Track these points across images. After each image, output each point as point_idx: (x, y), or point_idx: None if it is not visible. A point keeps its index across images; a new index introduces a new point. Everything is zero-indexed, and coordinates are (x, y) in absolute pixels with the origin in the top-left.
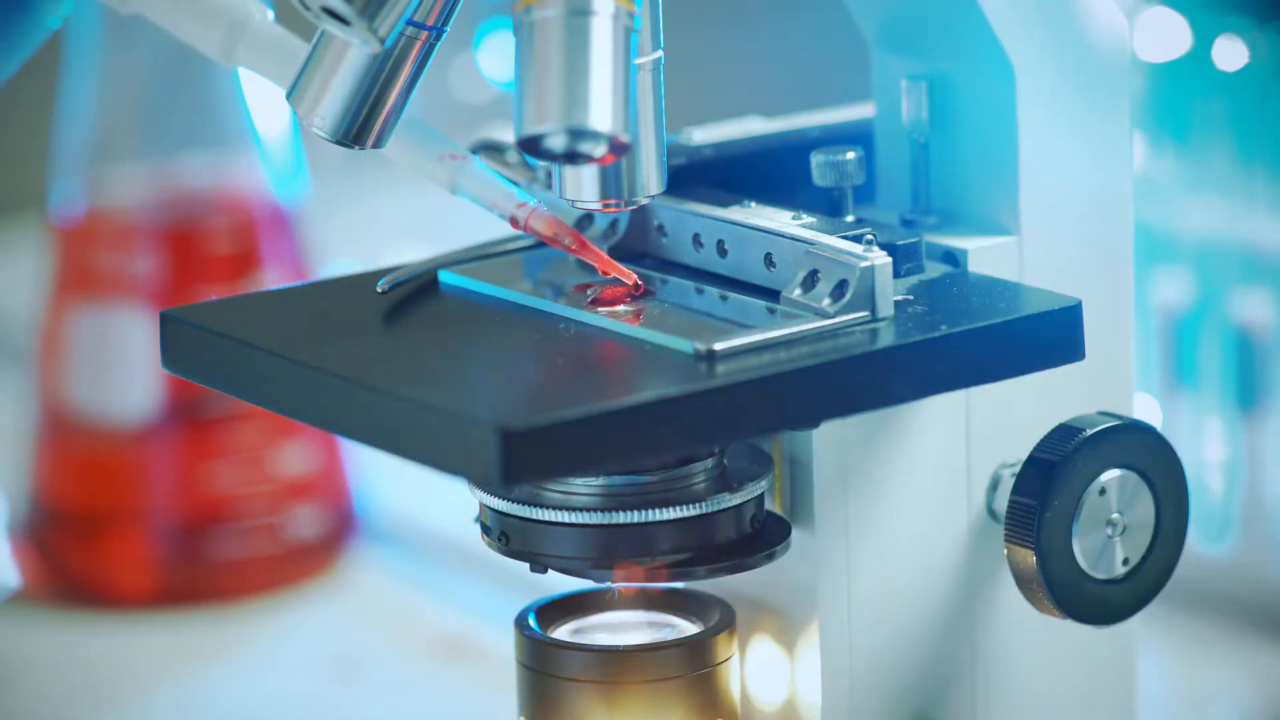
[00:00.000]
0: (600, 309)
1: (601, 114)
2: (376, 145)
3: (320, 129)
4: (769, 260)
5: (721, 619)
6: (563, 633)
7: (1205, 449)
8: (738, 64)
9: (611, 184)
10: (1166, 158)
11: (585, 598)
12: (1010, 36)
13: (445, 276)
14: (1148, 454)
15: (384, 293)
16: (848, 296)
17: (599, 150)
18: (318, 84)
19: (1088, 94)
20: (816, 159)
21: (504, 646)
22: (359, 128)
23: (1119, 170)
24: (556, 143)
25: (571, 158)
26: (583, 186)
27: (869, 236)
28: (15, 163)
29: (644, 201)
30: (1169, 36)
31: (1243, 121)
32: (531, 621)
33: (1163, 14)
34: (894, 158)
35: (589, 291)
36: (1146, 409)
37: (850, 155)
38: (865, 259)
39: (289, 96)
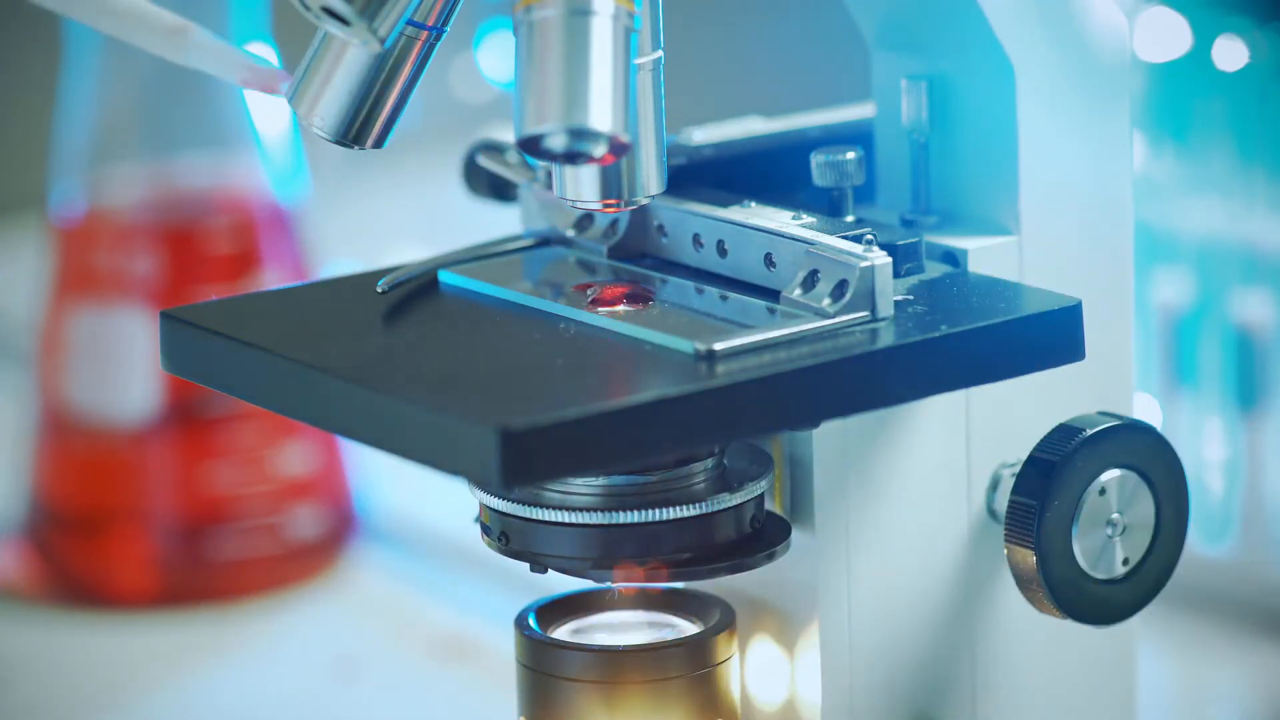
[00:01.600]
0: (600, 309)
1: (601, 114)
2: (376, 145)
3: (320, 129)
4: (769, 260)
5: (721, 619)
6: (563, 633)
7: (1205, 449)
8: (738, 64)
9: (611, 184)
10: (1166, 158)
11: (585, 598)
12: (1010, 36)
13: (445, 276)
14: (1148, 454)
15: (384, 293)
16: (848, 296)
17: (599, 150)
18: (318, 84)
19: (1088, 94)
20: (816, 159)
21: (504, 646)
22: (359, 128)
23: (1119, 170)
24: (556, 143)
25: (571, 158)
26: (582, 186)
27: (869, 236)
28: (15, 163)
29: (644, 201)
30: (1169, 36)
31: (1243, 121)
32: (531, 621)
33: (1163, 14)
34: (894, 158)
35: (589, 291)
36: (1146, 409)
37: (850, 155)
38: (865, 259)
39: (289, 97)
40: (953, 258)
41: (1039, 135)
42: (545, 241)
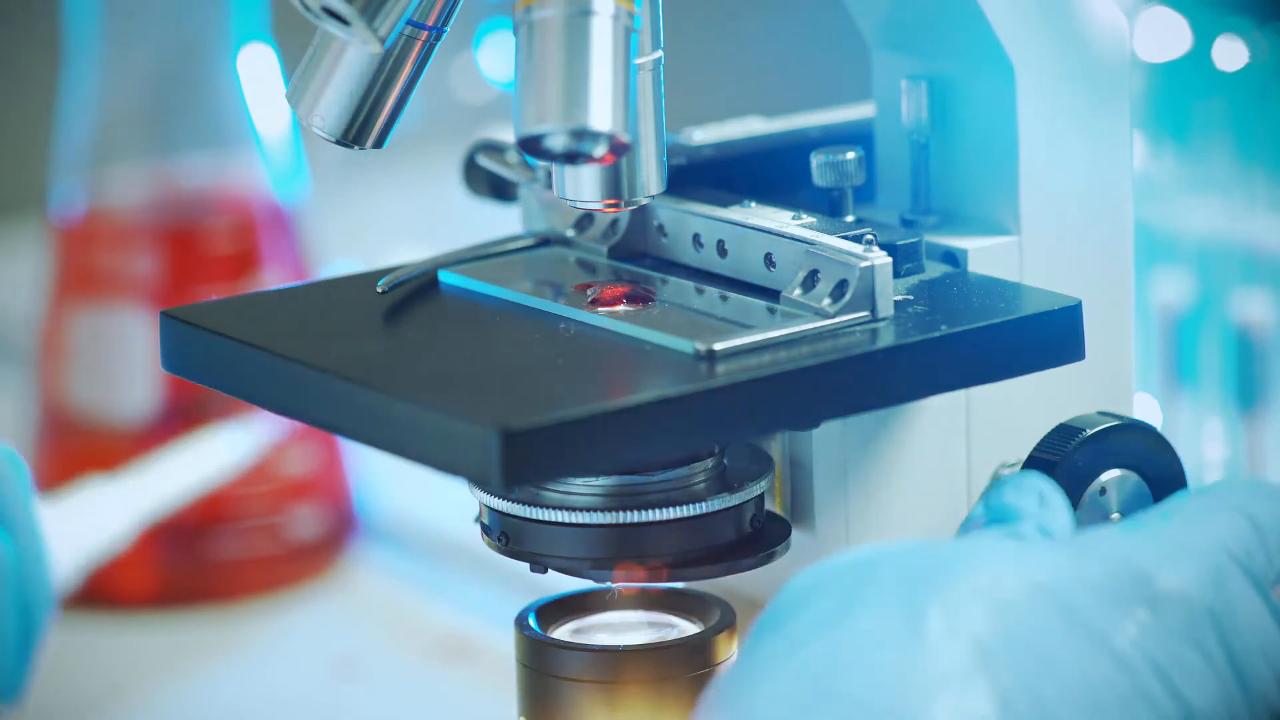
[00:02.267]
0: (600, 309)
1: (601, 114)
2: (376, 145)
3: (320, 129)
4: (769, 260)
5: (722, 619)
6: (563, 633)
7: (1205, 449)
8: (738, 64)
9: (612, 184)
10: (1166, 158)
11: (585, 598)
12: (1010, 36)
13: (445, 276)
14: (1148, 454)
15: (384, 293)
16: (848, 296)
17: (599, 150)
18: (318, 84)
19: (1088, 94)
20: (816, 159)
21: (504, 646)
22: (359, 128)
23: (1119, 170)
24: (556, 143)
25: (571, 158)
26: (583, 186)
27: (869, 236)
28: (15, 163)
29: (644, 201)
30: (1169, 36)
31: (1243, 121)
32: (531, 621)
33: (1163, 14)
34: (894, 158)
35: (589, 292)
36: (1146, 409)
37: (850, 155)
38: (865, 259)
39: (289, 97)
40: (953, 258)
41: (1039, 135)
42: (545, 241)
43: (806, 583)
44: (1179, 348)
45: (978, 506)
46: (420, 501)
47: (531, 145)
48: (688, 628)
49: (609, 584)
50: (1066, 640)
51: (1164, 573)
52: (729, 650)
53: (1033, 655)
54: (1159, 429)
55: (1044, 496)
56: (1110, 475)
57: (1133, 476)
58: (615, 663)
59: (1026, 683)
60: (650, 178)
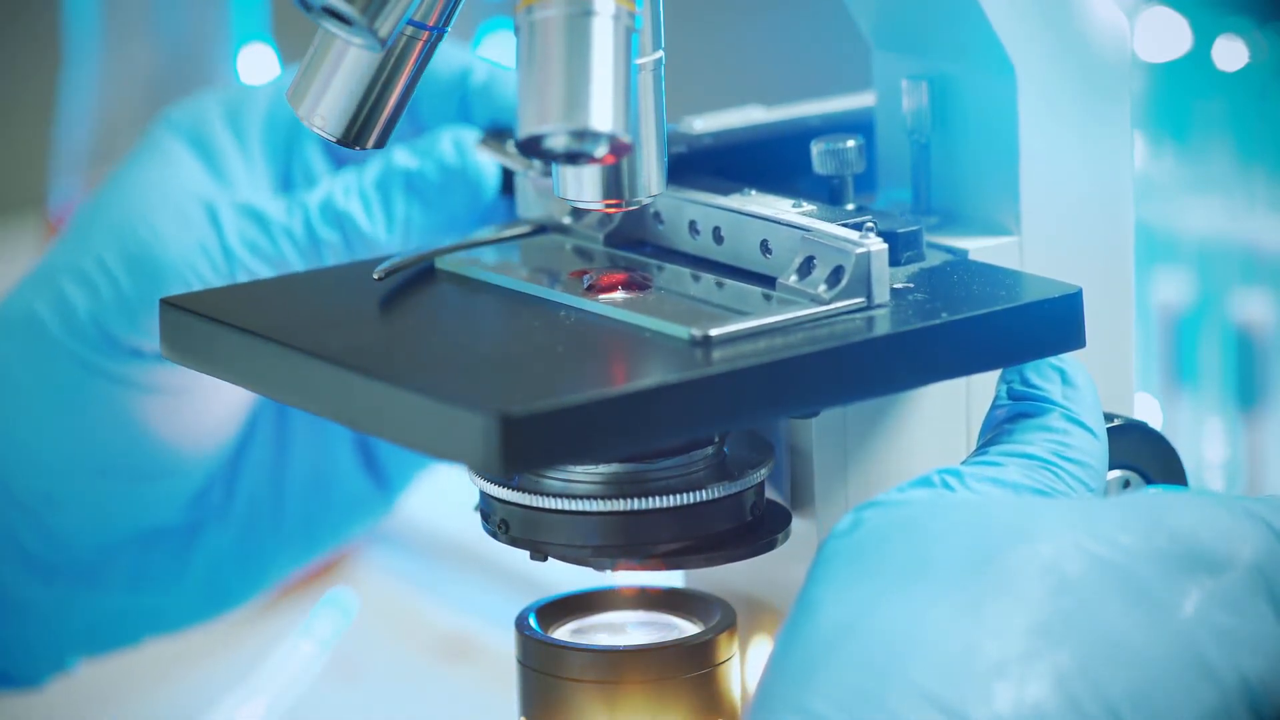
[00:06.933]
0: (597, 295)
1: (602, 114)
2: (377, 146)
3: (321, 129)
4: (765, 247)
5: (722, 619)
6: (563, 633)
7: (1205, 449)
8: (738, 54)
9: (612, 184)
10: (1166, 158)
11: (586, 598)
12: (1010, 36)
13: (442, 264)
14: (1148, 454)
15: (380, 279)
16: (843, 283)
17: (600, 150)
18: (318, 84)
19: (1088, 94)
20: (817, 147)
21: (504, 646)
22: (359, 128)
23: (1119, 170)
24: (557, 143)
25: (572, 158)
26: (583, 187)
27: (869, 224)
28: (15, 163)
29: (645, 201)
30: (1169, 36)
31: (1243, 121)
32: (532, 621)
33: (1163, 14)
34: (894, 158)
35: (586, 278)
36: (1146, 409)
37: (850, 143)
38: (860, 245)
39: (289, 97)
40: None
41: (1039, 135)
42: (542, 229)
43: (880, 524)
44: (1179, 348)
45: (1000, 390)
46: (420, 501)
47: (532, 145)
48: (688, 628)
49: (608, 570)
50: (1128, 616)
51: (1220, 539)
52: (729, 650)
53: (1092, 634)
54: (1159, 429)
55: (1067, 375)
56: (1111, 475)
57: (1133, 477)
58: (615, 663)
59: (1085, 663)
60: (651, 178)
